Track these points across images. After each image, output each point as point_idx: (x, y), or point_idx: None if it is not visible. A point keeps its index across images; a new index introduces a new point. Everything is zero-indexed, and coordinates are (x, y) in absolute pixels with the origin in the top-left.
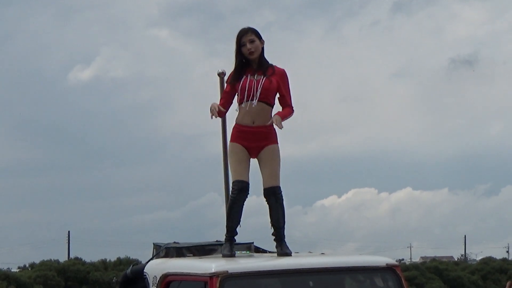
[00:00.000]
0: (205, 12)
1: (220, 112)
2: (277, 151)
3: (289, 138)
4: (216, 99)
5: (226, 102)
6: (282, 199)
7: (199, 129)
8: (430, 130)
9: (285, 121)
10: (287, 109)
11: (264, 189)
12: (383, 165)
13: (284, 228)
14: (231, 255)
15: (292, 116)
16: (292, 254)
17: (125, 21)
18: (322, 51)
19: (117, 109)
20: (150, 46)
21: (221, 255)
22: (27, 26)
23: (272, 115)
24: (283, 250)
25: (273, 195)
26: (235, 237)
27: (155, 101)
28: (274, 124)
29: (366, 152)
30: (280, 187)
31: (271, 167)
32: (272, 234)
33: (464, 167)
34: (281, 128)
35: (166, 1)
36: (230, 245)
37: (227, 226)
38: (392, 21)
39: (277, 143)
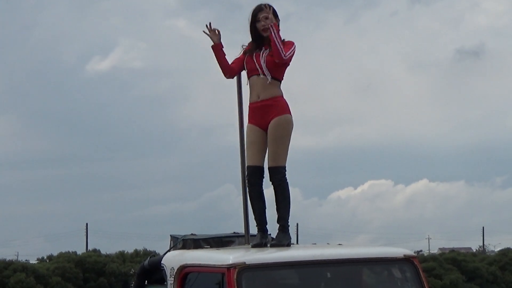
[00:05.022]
0: (223, 2)
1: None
2: (283, 123)
3: (306, 129)
4: (234, 90)
5: (235, 65)
6: (285, 182)
7: (217, 120)
8: (447, 121)
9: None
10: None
11: (268, 169)
12: (399, 156)
13: (286, 218)
14: (260, 244)
15: (280, 57)
16: (293, 245)
17: (143, 12)
18: (340, 42)
19: (135, 100)
20: (168, 37)
21: (237, 247)
22: (45, 17)
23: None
24: (279, 240)
25: (274, 176)
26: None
27: (172, 92)
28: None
29: (383, 144)
30: (283, 167)
31: (274, 145)
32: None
33: (480, 158)
34: (268, 25)
35: None
36: (260, 235)
37: (254, 218)
38: (411, 11)
39: (288, 113)
